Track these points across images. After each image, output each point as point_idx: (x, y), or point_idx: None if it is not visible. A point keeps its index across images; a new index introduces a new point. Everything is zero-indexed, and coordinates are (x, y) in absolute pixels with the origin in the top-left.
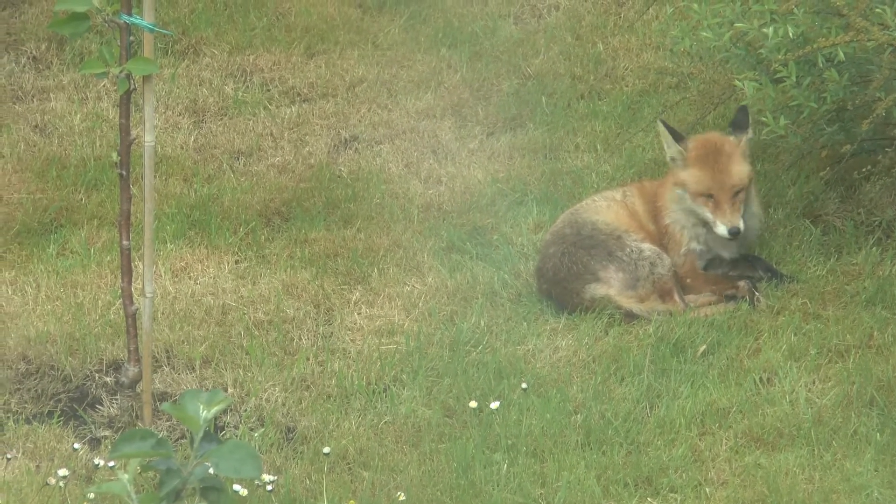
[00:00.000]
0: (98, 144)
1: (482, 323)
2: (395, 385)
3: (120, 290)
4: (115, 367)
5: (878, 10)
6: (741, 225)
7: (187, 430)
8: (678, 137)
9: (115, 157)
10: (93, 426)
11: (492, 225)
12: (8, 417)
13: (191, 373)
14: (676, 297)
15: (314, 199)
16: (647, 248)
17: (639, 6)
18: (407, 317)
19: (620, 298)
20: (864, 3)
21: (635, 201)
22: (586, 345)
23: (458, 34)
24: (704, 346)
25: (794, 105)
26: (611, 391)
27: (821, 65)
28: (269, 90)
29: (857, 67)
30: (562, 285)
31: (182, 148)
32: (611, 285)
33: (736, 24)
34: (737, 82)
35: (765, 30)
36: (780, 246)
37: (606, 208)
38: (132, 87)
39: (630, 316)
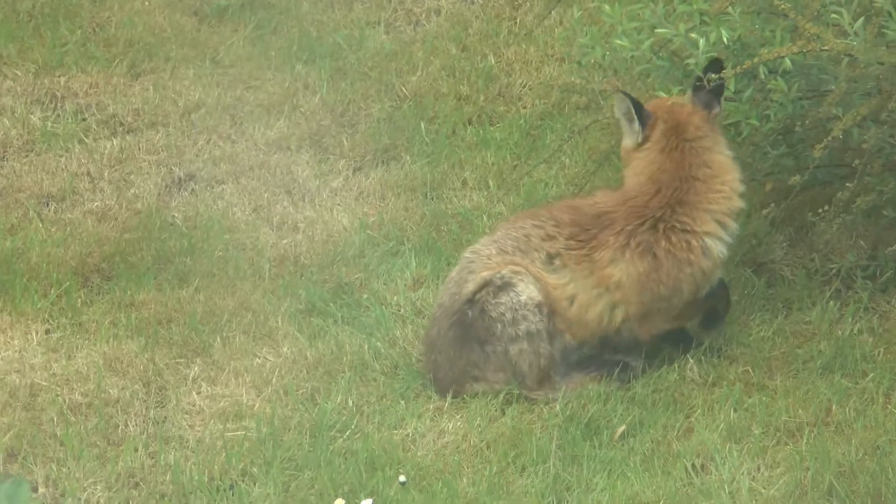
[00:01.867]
0: None
1: (350, 402)
2: (243, 480)
3: None
4: None
5: (833, 14)
6: None
7: None
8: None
9: None
10: None
11: (361, 281)
12: None
13: None
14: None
15: (142, 252)
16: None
17: (538, 9)
18: (258, 396)
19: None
20: (816, 4)
21: None
22: (478, 427)
23: (317, 47)
24: (623, 427)
25: (731, 123)
26: (509, 484)
27: (763, 76)
28: (84, 119)
29: (808, 79)
30: (446, 369)
31: None
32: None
33: (658, 30)
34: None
35: (693, 35)
36: None
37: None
38: None
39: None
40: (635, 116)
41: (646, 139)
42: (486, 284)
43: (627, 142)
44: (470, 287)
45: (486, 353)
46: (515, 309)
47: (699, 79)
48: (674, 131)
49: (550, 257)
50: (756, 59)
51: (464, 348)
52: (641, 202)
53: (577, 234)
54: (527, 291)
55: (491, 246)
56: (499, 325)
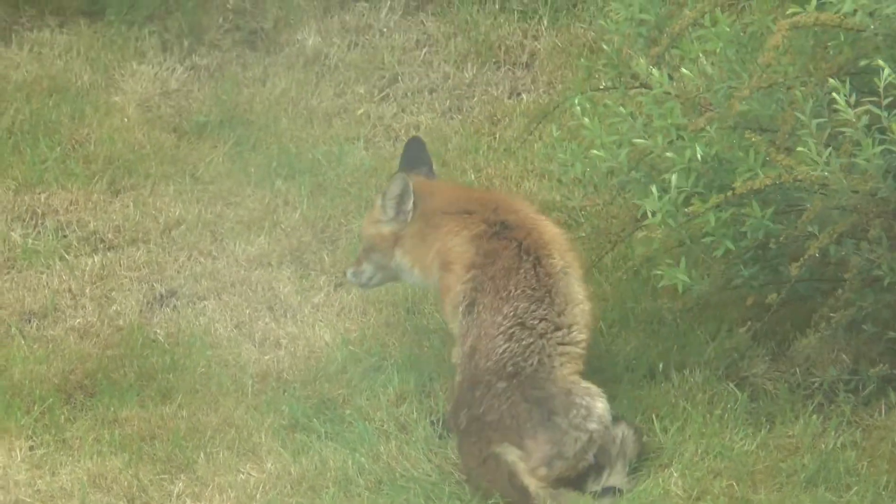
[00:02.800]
0: None
1: None
2: None
3: None
4: None
5: (801, 145)
6: (348, 272)
7: None
8: (409, 166)
9: None
10: None
11: (343, 397)
12: None
13: None
14: None
15: (125, 368)
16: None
17: (518, 125)
18: None
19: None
20: (787, 128)
21: None
22: None
23: (297, 163)
24: None
25: (707, 241)
26: None
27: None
28: (65, 236)
29: (784, 195)
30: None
31: None
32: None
33: (635, 140)
34: (647, 203)
35: (669, 154)
36: (700, 415)
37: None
38: None
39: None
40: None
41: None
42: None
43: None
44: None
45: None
46: None
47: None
48: None
49: None
50: (730, 193)
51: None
52: None
53: None
54: None
55: None
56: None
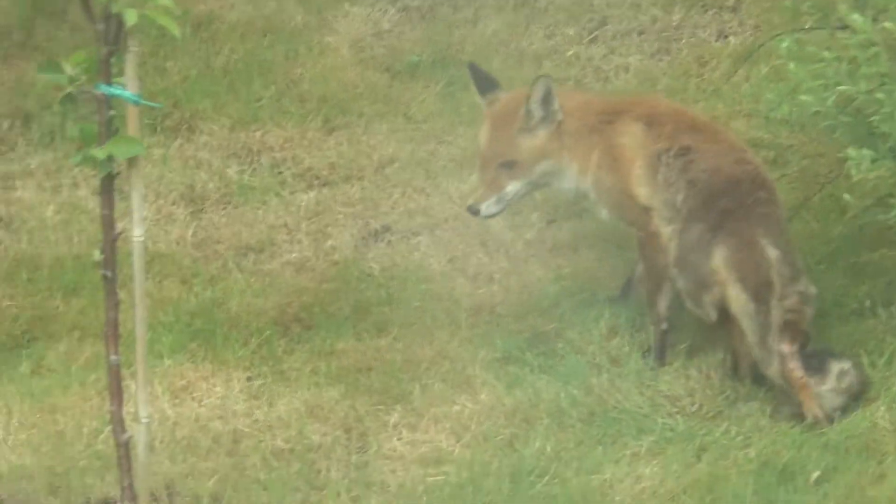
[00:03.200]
0: (76, 240)
1: (548, 448)
2: None
3: (109, 415)
4: None
5: None
6: (482, 207)
7: None
8: (486, 88)
9: (97, 255)
10: None
11: (556, 331)
12: None
13: None
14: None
15: (340, 302)
16: None
17: (725, 66)
18: (457, 442)
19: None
20: None
21: None
22: (675, 473)
23: None
24: (818, 473)
25: None
26: None
27: None
28: (280, 173)
29: None
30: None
31: (178, 243)
32: None
33: (840, 87)
34: (850, 152)
35: (878, 95)
36: None
37: None
38: (115, 171)
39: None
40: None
41: None
42: None
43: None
44: None
45: None
46: None
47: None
48: None
49: None
50: None
51: None
52: None
53: None
54: None
55: None
56: None
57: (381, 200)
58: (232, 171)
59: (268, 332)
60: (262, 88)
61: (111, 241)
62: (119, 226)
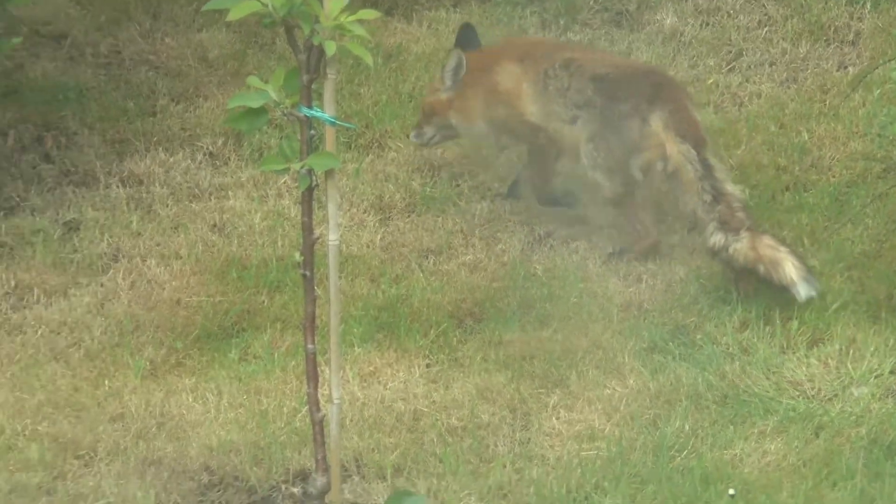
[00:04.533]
0: (280, 244)
1: (686, 427)
2: (596, 493)
3: (306, 397)
4: (303, 476)
5: None
6: (411, 136)
7: None
8: (463, 45)
9: (297, 256)
10: None
11: (695, 324)
12: None
13: (382, 482)
14: None
15: (508, 298)
16: None
17: (844, 95)
18: (608, 421)
19: None
20: None
21: None
22: (796, 448)
23: None
24: None
25: None
26: (822, 497)
27: None
28: (458, 185)
29: None
30: None
31: (368, 247)
32: None
33: None
34: None
35: None
36: None
37: None
38: (314, 183)
39: None
40: None
41: None
42: None
43: None
44: None
45: None
46: None
47: None
48: None
49: None
50: None
51: None
52: None
53: None
54: None
55: None
56: None
57: (546, 210)
58: (416, 184)
59: (444, 324)
60: None
61: (310, 244)
62: (317, 231)
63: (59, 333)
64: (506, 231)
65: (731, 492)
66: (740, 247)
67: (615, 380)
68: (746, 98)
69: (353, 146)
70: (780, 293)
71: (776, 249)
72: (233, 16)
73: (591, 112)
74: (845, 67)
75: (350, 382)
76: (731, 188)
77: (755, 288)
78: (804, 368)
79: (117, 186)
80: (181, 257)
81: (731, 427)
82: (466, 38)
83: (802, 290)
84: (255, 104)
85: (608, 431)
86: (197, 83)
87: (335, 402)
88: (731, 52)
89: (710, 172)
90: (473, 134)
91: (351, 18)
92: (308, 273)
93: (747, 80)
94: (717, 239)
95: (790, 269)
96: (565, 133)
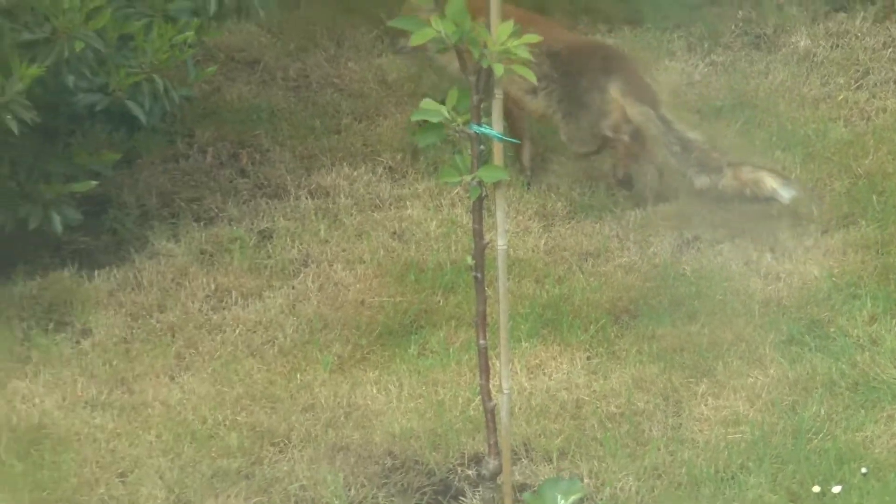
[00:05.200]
0: (453, 249)
1: (822, 412)
2: (741, 472)
3: (478, 388)
4: (476, 460)
5: None
6: None
7: None
8: None
9: (469, 260)
10: None
11: (828, 318)
12: None
13: (548, 464)
14: None
15: (660, 296)
16: None
17: None
18: (751, 407)
19: None
20: None
21: None
22: None
23: (791, 137)
24: None
25: None
26: None
27: None
28: (614, 195)
29: None
30: None
31: (533, 251)
32: None
33: None
34: None
35: None
36: None
37: None
38: (484, 193)
39: None
40: None
41: None
42: None
43: None
44: None
45: None
46: None
47: None
48: None
49: None
50: None
51: None
52: None
53: None
54: None
55: None
56: None
57: (693, 215)
58: (575, 194)
59: (603, 320)
60: None
61: (481, 249)
62: (487, 237)
63: (254, 332)
64: (657, 235)
65: (864, 470)
66: (727, 181)
67: (757, 369)
68: (873, 113)
69: (518, 160)
70: None
71: (755, 171)
72: (414, 41)
73: (551, 86)
74: None
75: (518, 374)
76: (694, 135)
77: None
78: None
79: (306, 198)
80: (364, 262)
81: (863, 411)
82: None
83: (785, 194)
84: (435, 118)
85: (751, 416)
86: (377, 103)
87: (505, 392)
88: (858, 71)
89: (670, 126)
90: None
91: (516, 43)
92: (479, 275)
93: (874, 97)
94: (702, 181)
95: (770, 182)
96: (526, 101)
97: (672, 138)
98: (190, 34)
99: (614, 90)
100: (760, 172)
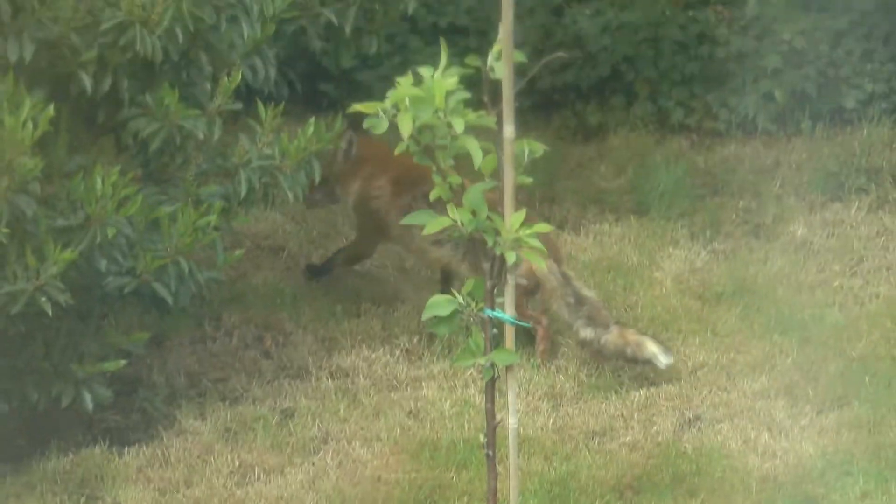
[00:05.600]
0: (466, 427)
1: None
2: None
3: None
4: None
5: None
6: None
7: None
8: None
9: (482, 439)
10: None
11: (822, 494)
12: None
13: None
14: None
15: (662, 473)
16: None
17: None
18: None
19: None
20: None
21: None
22: None
23: (789, 322)
24: None
25: None
26: None
27: None
28: (619, 376)
29: None
30: None
31: (542, 429)
32: None
33: None
34: None
35: None
36: None
37: None
38: (496, 375)
39: None
40: None
41: None
42: None
43: None
44: None
45: None
46: None
47: None
48: None
49: None
50: None
51: None
52: None
53: None
54: None
55: None
56: None
57: (693, 396)
58: (583, 375)
59: (608, 496)
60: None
61: (492, 428)
62: (498, 416)
63: None
64: (660, 415)
65: None
66: (611, 337)
67: None
68: (867, 298)
69: (529, 343)
70: None
71: (639, 335)
72: (428, 230)
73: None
74: None
75: None
76: (588, 293)
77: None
78: None
79: (327, 378)
80: (381, 440)
81: None
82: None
83: (662, 359)
84: (445, 312)
85: None
86: (395, 288)
87: None
88: (853, 258)
89: (569, 281)
90: (347, 206)
91: (528, 232)
92: (491, 453)
93: (867, 283)
94: (586, 333)
95: (651, 346)
96: (431, 251)
97: (568, 291)
98: (213, 217)
99: None
100: (644, 337)
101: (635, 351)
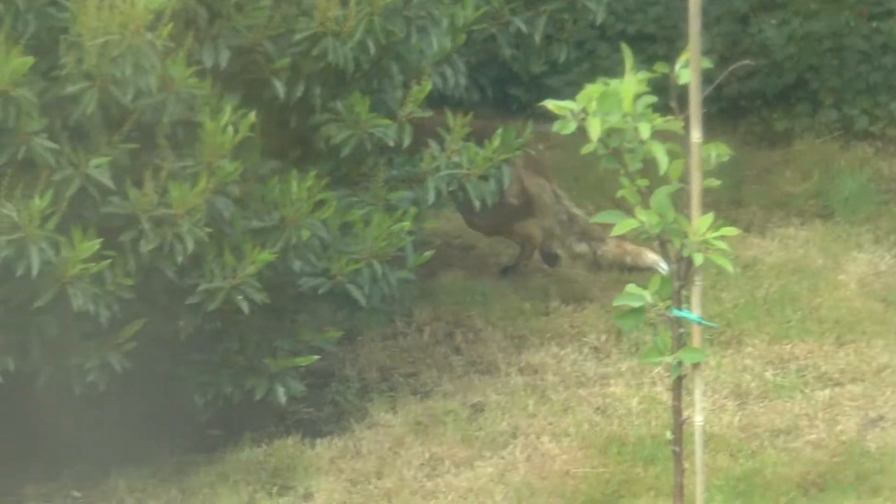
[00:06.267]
0: (653, 424)
1: None
2: None
3: None
4: None
5: None
6: None
7: None
8: None
9: (668, 435)
10: None
11: None
12: None
13: None
14: None
15: (846, 471)
16: None
17: None
18: None
19: None
20: None
21: None
22: None
23: None
24: None
25: None
26: None
27: None
28: (804, 376)
29: None
30: None
31: (728, 427)
32: None
33: None
34: None
35: None
36: None
37: None
38: (683, 373)
39: None
40: None
41: None
42: None
43: None
44: None
45: None
46: None
47: None
48: None
49: None
50: None
51: None
52: None
53: None
54: None
55: None
56: None
57: (878, 396)
58: (768, 374)
59: (793, 493)
60: (791, 313)
61: (679, 424)
62: (685, 413)
63: (465, 499)
64: (844, 414)
65: None
66: (607, 249)
67: None
68: None
69: (714, 342)
70: None
71: (637, 245)
72: (616, 231)
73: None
74: None
75: None
76: (578, 211)
77: None
78: None
79: (516, 375)
80: (569, 435)
81: None
82: None
83: (663, 265)
84: (636, 304)
85: None
86: (584, 287)
87: None
88: None
89: (559, 200)
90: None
91: (715, 235)
92: (678, 449)
93: None
94: (581, 247)
95: (650, 254)
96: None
97: (561, 208)
98: (406, 223)
99: (517, 163)
100: (642, 247)
101: (635, 259)
